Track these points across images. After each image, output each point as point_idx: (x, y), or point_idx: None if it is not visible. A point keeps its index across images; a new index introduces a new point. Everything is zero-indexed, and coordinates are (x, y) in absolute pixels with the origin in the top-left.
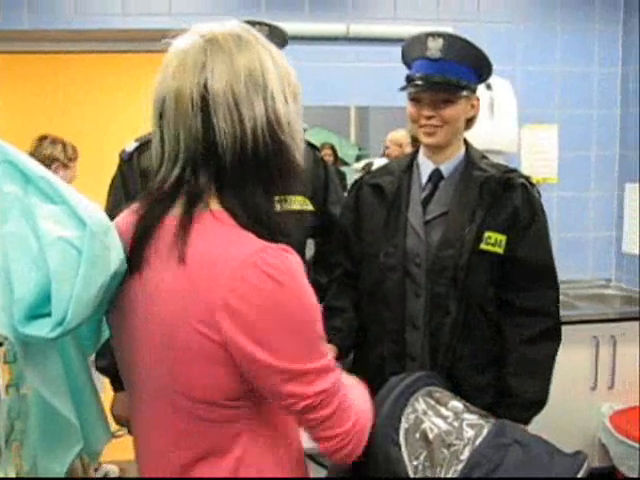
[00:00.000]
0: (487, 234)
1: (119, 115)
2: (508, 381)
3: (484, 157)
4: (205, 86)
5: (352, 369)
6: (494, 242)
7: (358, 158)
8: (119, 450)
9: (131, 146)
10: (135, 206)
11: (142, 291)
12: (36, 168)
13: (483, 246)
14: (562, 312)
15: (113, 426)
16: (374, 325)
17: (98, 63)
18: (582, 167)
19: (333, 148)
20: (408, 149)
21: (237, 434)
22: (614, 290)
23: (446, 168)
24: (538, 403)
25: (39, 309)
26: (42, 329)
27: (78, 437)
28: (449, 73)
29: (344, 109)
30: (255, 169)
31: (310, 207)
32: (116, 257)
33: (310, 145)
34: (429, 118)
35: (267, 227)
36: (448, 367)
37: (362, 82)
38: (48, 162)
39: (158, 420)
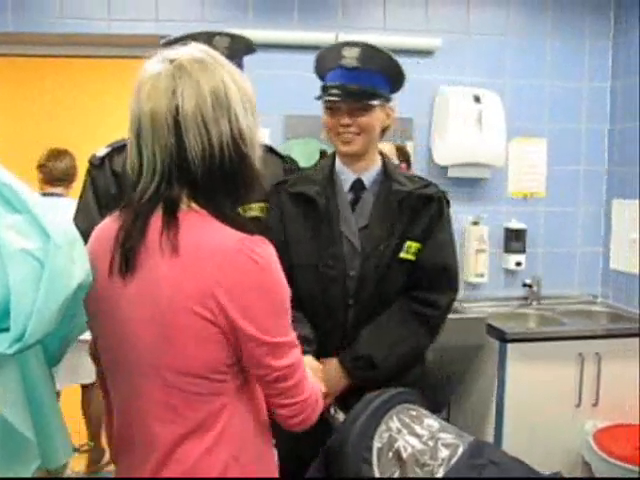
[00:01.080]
0: (407, 243)
1: (105, 120)
2: (365, 334)
3: (397, 168)
4: (177, 109)
5: None
6: (414, 251)
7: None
8: None
9: (102, 151)
10: (117, 214)
11: (136, 287)
12: (2, 176)
13: (402, 255)
14: (548, 328)
15: (79, 440)
16: (312, 306)
17: (85, 67)
18: (570, 182)
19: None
20: (395, 159)
21: (223, 406)
22: (600, 307)
23: (367, 178)
24: (371, 363)
25: None
26: (0, 344)
27: (35, 454)
28: (365, 82)
29: None
30: (223, 179)
31: None
32: (81, 270)
33: (278, 155)
34: (346, 127)
35: (238, 226)
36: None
37: None
38: (68, 177)
39: (147, 398)
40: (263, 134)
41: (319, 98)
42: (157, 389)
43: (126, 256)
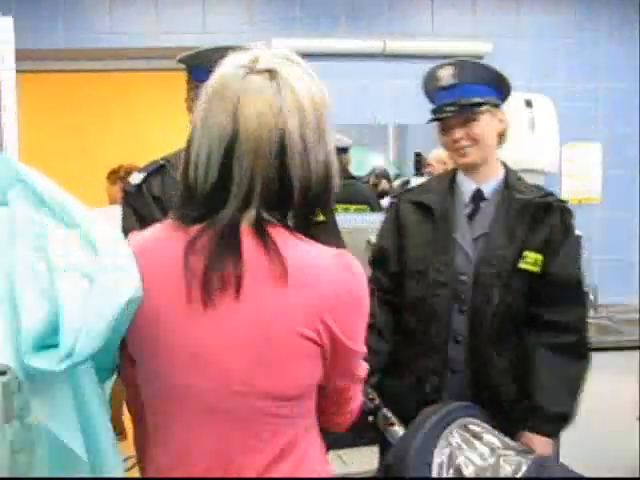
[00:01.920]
0: (526, 253)
1: (154, 133)
2: (534, 393)
3: (519, 179)
4: (283, 131)
5: (385, 383)
6: (532, 262)
7: (397, 176)
8: None
9: (137, 178)
10: (170, 231)
11: (225, 312)
12: (52, 190)
13: (522, 265)
14: (606, 338)
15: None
16: (416, 339)
17: (131, 81)
18: (626, 187)
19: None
20: (451, 167)
21: (305, 427)
22: None
23: (487, 189)
24: (563, 416)
25: (47, 340)
26: (49, 361)
27: (86, 470)
28: (465, 95)
29: (382, 127)
30: (311, 202)
31: (322, 217)
32: (130, 286)
33: None
34: (458, 140)
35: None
36: (486, 380)
37: (399, 100)
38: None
39: (227, 427)
40: None
41: (430, 121)
42: (242, 417)
43: (219, 281)
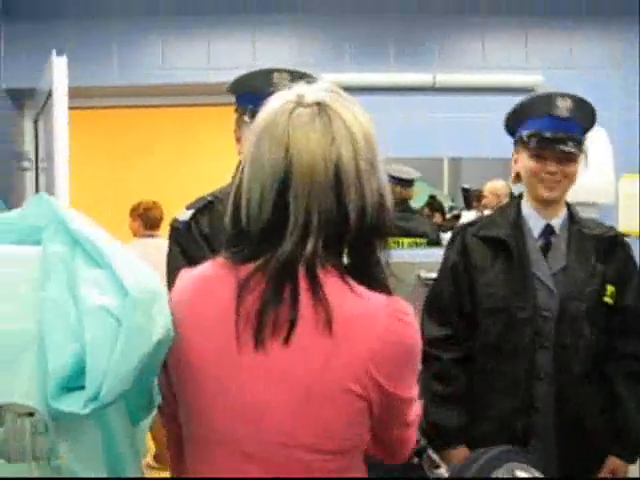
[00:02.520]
0: (607, 287)
1: (204, 167)
2: (620, 420)
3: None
4: (337, 162)
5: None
6: (610, 294)
7: (451, 209)
8: None
9: (186, 215)
10: (218, 269)
11: (273, 359)
12: (86, 229)
13: (606, 299)
14: None
15: None
16: (497, 378)
17: (183, 116)
18: None
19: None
20: (506, 200)
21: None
22: None
23: (556, 223)
24: None
25: (74, 381)
26: (75, 404)
27: None
28: (574, 131)
29: (437, 160)
30: (367, 237)
31: None
32: (161, 327)
33: None
34: (553, 174)
35: (378, 285)
36: (574, 415)
37: (451, 133)
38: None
39: (263, 476)
40: None
41: (521, 142)
42: (282, 468)
43: (272, 326)
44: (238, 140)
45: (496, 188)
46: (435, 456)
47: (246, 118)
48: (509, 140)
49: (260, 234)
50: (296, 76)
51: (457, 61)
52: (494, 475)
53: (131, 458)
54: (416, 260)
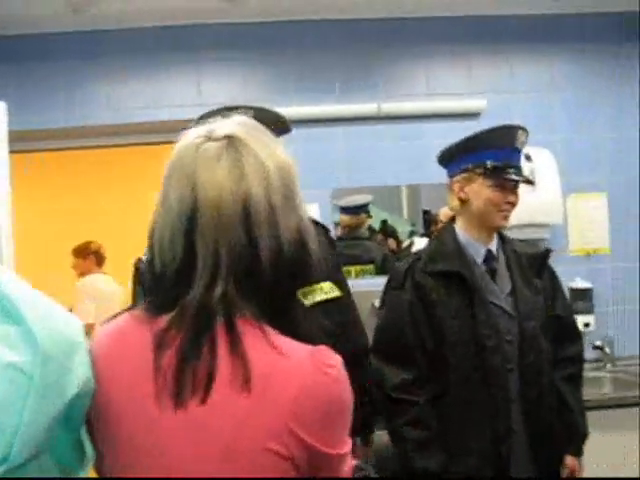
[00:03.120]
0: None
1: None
2: (567, 420)
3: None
4: (247, 197)
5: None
6: (551, 308)
7: (411, 233)
8: None
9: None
10: (141, 317)
11: (190, 417)
12: (4, 284)
13: (549, 312)
14: (626, 393)
15: None
16: (473, 409)
17: (126, 155)
18: (637, 235)
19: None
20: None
21: None
22: None
23: (493, 248)
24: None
25: None
26: None
27: None
28: (520, 161)
29: (395, 187)
30: (286, 278)
31: (337, 292)
32: (79, 379)
33: (321, 226)
34: (512, 204)
35: (302, 333)
36: (546, 429)
37: (398, 160)
38: None
39: None
40: (311, 209)
41: (481, 171)
42: None
43: (190, 383)
44: None
45: (450, 213)
46: None
47: None
48: None
49: (174, 278)
50: (260, 114)
51: (402, 89)
52: None
53: None
54: (370, 289)
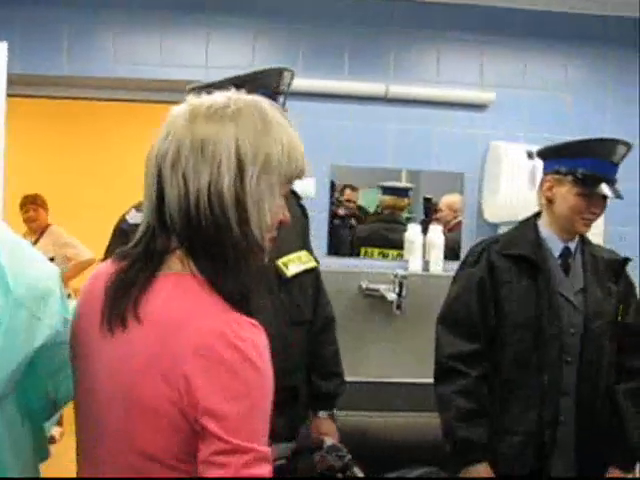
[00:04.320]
0: (620, 306)
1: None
2: (621, 433)
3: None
4: (162, 157)
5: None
6: (621, 313)
7: (408, 220)
8: None
9: (135, 217)
10: (117, 258)
11: (112, 350)
12: None
13: (620, 318)
14: None
15: None
16: (524, 392)
17: (135, 112)
18: (629, 240)
19: None
20: (460, 214)
21: None
22: None
23: (572, 247)
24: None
25: None
26: None
27: None
28: (616, 174)
29: (395, 171)
30: (203, 242)
31: (313, 262)
32: (48, 328)
33: (293, 192)
34: (596, 214)
35: (233, 300)
36: (593, 427)
37: (401, 144)
38: None
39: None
40: (309, 183)
41: (571, 177)
42: (118, 467)
43: (110, 312)
44: None
45: (452, 202)
46: (360, 473)
47: None
48: (459, 154)
49: (140, 231)
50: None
51: (411, 74)
52: None
53: (12, 463)
54: (360, 270)
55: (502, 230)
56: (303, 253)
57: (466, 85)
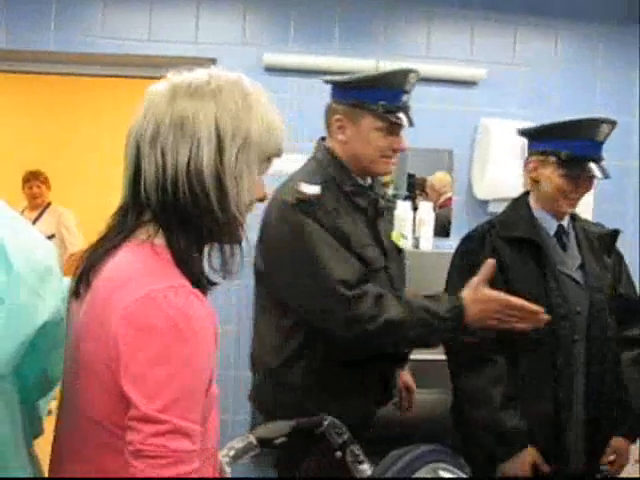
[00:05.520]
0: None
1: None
2: (626, 403)
3: None
4: (140, 133)
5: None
6: (616, 286)
7: (394, 196)
8: None
9: (313, 189)
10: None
11: (76, 314)
12: None
13: (614, 290)
14: None
15: None
16: (538, 374)
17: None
18: (618, 221)
19: None
20: (449, 191)
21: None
22: None
23: (565, 224)
24: None
25: None
26: None
27: None
28: (602, 153)
29: None
30: (179, 216)
31: None
32: (50, 306)
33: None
34: (582, 195)
35: (191, 271)
36: (605, 405)
37: None
38: None
39: (74, 450)
40: (297, 159)
41: (556, 159)
42: (71, 432)
43: (77, 279)
44: (340, 129)
45: (440, 180)
46: (359, 451)
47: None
48: (448, 131)
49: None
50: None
51: (401, 49)
52: (417, 475)
53: (11, 440)
54: None
55: (492, 207)
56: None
57: (456, 61)
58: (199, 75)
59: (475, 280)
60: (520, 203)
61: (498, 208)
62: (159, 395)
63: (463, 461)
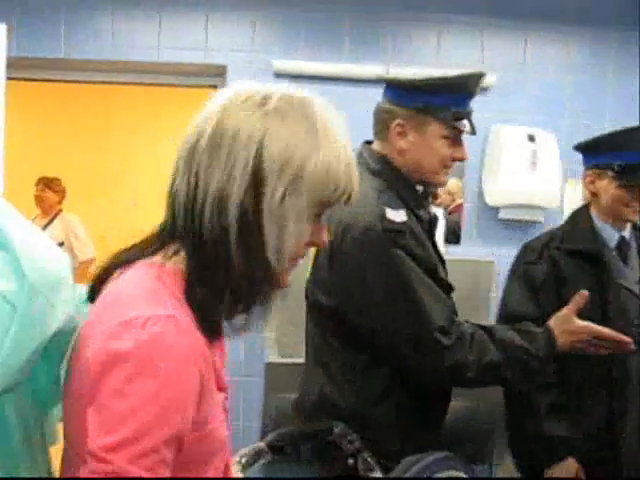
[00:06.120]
0: None
1: (146, 148)
2: None
3: None
4: (180, 146)
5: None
6: None
7: None
8: None
9: (399, 215)
10: None
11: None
12: None
13: None
14: None
15: None
16: (592, 386)
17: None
18: None
19: None
20: (459, 198)
21: None
22: None
23: (626, 234)
24: None
25: None
26: None
27: None
28: None
29: None
30: (204, 254)
31: None
32: (63, 314)
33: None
34: None
35: (204, 318)
36: None
37: None
38: None
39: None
40: None
41: (611, 170)
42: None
43: (91, 286)
44: (400, 135)
45: (450, 186)
46: (370, 459)
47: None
48: None
49: None
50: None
51: (411, 56)
52: None
53: (23, 451)
54: None
55: (502, 213)
56: None
57: (467, 67)
58: (261, 89)
59: (565, 311)
60: (581, 215)
61: (509, 215)
62: (114, 430)
63: (474, 468)
